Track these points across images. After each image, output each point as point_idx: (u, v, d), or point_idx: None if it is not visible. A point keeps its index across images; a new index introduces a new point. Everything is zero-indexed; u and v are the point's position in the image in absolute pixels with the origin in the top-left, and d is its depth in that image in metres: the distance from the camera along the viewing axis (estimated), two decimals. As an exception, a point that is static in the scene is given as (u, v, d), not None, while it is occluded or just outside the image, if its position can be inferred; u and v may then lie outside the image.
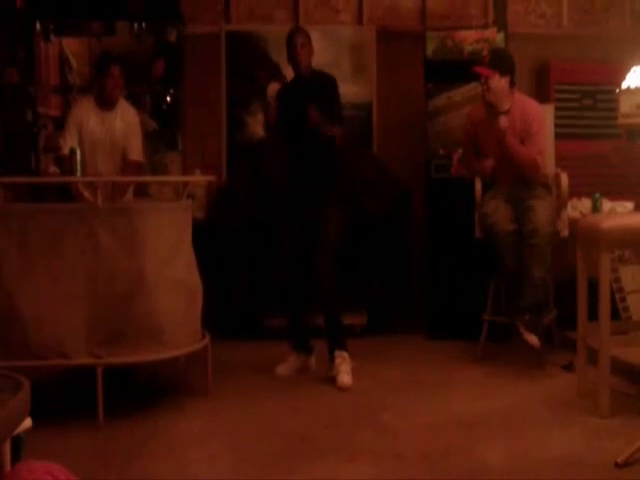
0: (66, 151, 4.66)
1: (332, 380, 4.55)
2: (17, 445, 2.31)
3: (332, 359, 4.65)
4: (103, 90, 4.88)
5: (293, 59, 4.73)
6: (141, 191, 5.30)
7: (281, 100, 4.96)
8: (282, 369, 4.76)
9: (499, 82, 4.74)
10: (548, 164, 5.08)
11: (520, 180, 4.84)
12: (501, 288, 5.00)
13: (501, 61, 4.81)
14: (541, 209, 4.69)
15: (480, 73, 4.79)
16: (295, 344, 4.85)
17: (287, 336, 4.88)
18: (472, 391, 4.38)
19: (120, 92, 4.98)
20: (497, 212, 4.78)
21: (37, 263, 3.91)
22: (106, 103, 4.90)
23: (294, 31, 4.84)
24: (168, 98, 6.24)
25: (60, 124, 6.05)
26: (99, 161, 4.89)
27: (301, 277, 4.72)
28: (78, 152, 4.40)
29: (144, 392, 4.43)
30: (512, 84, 4.83)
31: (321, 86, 4.72)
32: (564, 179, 4.96)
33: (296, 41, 4.70)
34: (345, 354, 4.66)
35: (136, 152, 5.04)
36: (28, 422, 2.37)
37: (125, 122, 4.96)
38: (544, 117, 4.93)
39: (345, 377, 4.53)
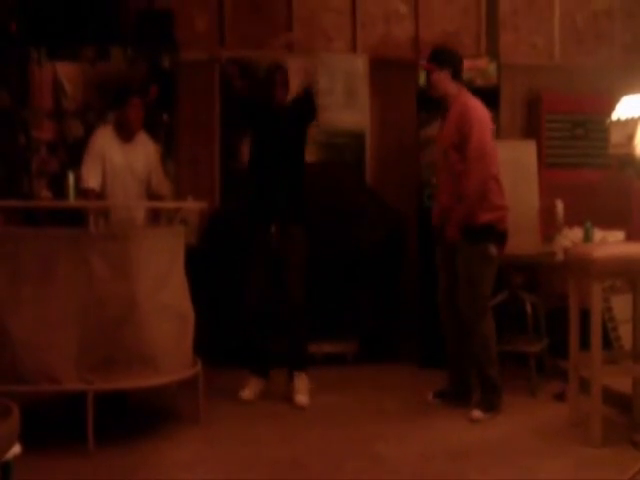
0: (93, 185, 4.65)
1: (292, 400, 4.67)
2: (6, 471, 2.29)
3: (291, 379, 4.77)
4: (125, 121, 4.81)
5: (270, 95, 4.85)
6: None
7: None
8: (246, 393, 4.78)
9: (439, 75, 4.63)
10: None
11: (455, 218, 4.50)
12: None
13: (438, 55, 4.71)
14: (465, 288, 4.48)
15: (424, 67, 4.84)
16: (254, 369, 4.87)
17: (246, 360, 4.90)
18: (464, 420, 4.36)
19: (141, 123, 4.94)
20: (440, 293, 4.73)
21: (29, 287, 3.89)
22: (127, 134, 4.82)
23: (275, 68, 4.91)
24: (161, 124, 6.23)
25: (53, 148, 6.06)
26: (120, 192, 4.81)
27: (263, 302, 4.82)
28: (71, 176, 4.38)
29: (135, 418, 4.40)
30: (456, 78, 4.63)
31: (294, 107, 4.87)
32: (559, 206, 4.99)
33: (276, 79, 4.83)
34: (304, 375, 4.75)
35: (164, 186, 5.06)
36: (17, 448, 2.35)
37: (146, 154, 4.91)
38: (482, 119, 4.50)
39: (302, 397, 4.66)
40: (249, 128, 5.15)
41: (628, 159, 4.40)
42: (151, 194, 4.96)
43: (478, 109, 4.53)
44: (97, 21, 5.95)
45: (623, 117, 4.38)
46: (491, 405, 4.44)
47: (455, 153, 4.49)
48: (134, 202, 4.92)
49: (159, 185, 5.00)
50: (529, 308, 4.95)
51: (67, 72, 6.32)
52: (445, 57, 4.69)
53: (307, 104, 4.84)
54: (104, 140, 4.81)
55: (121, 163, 4.78)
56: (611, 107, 4.66)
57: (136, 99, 4.86)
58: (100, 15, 5.92)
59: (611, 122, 4.40)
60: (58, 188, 4.96)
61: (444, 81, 4.63)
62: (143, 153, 4.90)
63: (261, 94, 4.94)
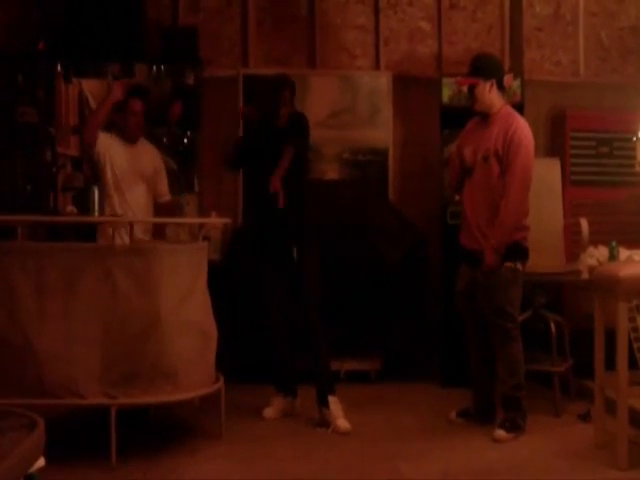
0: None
1: (327, 425, 4.54)
2: (30, 484, 2.30)
3: (324, 404, 4.61)
4: (125, 126, 4.91)
5: (275, 110, 4.69)
6: (159, 230, 5.31)
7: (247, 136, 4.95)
8: (269, 412, 4.75)
9: (484, 88, 4.46)
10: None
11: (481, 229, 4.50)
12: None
13: (483, 65, 4.54)
14: (493, 309, 4.41)
15: (464, 84, 4.61)
16: (279, 386, 4.83)
17: (272, 378, 4.86)
18: (487, 439, 4.32)
19: (142, 128, 5.01)
20: (462, 310, 4.69)
21: (53, 302, 3.91)
22: (129, 139, 4.93)
23: (283, 83, 4.77)
24: (185, 140, 6.27)
25: (78, 164, 6.11)
26: (129, 191, 4.89)
27: (283, 319, 4.77)
28: (96, 190, 4.42)
29: (157, 433, 4.40)
30: (500, 87, 4.51)
31: (293, 124, 4.71)
32: (584, 224, 4.96)
33: (283, 95, 4.69)
34: (336, 398, 4.65)
35: (167, 192, 5.13)
36: (41, 461, 2.35)
37: (150, 157, 5.01)
38: (529, 143, 4.44)
39: (344, 422, 4.52)
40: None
41: (655, 177, 4.38)
42: (156, 194, 5.05)
43: (525, 130, 4.43)
44: (122, 38, 6.00)
45: (649, 135, 4.37)
46: (515, 425, 4.39)
47: (496, 164, 4.40)
48: (162, 219, 5.02)
49: (160, 190, 5.07)
50: (553, 327, 4.91)
51: (93, 88, 6.38)
52: (490, 66, 4.55)
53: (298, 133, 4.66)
54: (105, 143, 4.87)
55: (126, 164, 4.86)
56: (636, 125, 4.64)
57: (137, 103, 4.91)
58: (125, 32, 5.97)
59: (637, 139, 4.38)
60: (82, 203, 4.99)
61: (490, 93, 4.47)
62: (147, 154, 4.99)
63: (264, 110, 4.76)
